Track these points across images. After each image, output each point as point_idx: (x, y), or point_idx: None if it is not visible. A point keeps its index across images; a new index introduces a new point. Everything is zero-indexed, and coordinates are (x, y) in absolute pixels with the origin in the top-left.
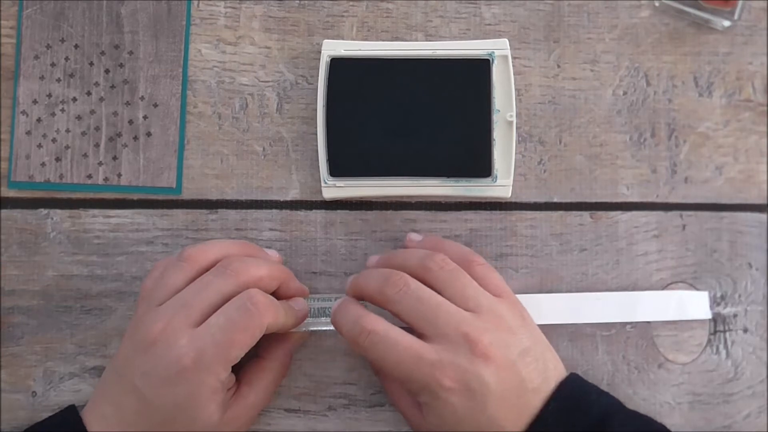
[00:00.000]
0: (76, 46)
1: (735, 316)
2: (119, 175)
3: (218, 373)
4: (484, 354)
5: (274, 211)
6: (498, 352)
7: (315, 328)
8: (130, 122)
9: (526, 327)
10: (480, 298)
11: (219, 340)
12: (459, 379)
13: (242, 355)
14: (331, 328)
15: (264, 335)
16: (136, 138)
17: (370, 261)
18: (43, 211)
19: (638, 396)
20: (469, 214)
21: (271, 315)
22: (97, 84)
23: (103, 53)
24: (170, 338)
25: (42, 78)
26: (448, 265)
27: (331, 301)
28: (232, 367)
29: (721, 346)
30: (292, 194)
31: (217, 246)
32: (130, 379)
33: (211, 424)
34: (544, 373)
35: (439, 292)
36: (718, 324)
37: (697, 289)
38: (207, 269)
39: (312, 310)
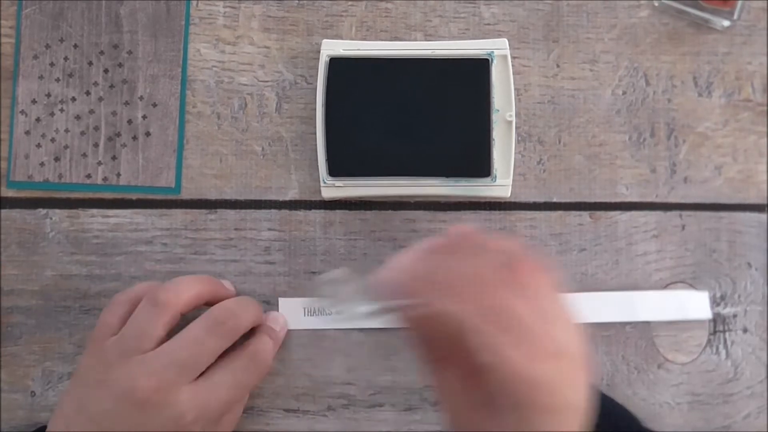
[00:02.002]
0: (75, 46)
1: (734, 316)
2: (118, 175)
3: (214, 424)
4: (519, 288)
5: (273, 211)
6: (526, 310)
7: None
8: (129, 122)
9: (561, 304)
10: (519, 256)
11: (223, 397)
12: (497, 314)
13: None
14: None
15: None
16: (135, 138)
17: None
18: (42, 211)
19: (637, 396)
20: (469, 214)
21: (270, 364)
22: (96, 84)
23: (102, 53)
24: (168, 397)
25: (41, 78)
26: (475, 233)
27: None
28: None
29: (721, 347)
30: (291, 194)
31: (187, 286)
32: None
33: None
34: (577, 358)
35: None
36: (717, 324)
37: (697, 290)
38: (183, 312)
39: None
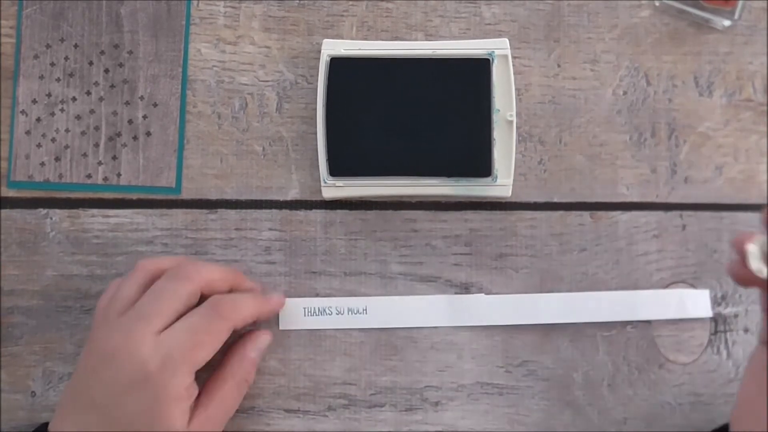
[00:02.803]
0: (75, 46)
1: (736, 316)
2: (119, 175)
3: (183, 376)
4: None
5: (274, 210)
6: None
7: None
8: (130, 122)
9: None
10: None
11: (184, 343)
12: None
13: (208, 359)
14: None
15: (226, 347)
16: (135, 138)
17: None
18: (43, 211)
19: (639, 397)
20: (469, 214)
21: (237, 317)
22: (96, 83)
23: (102, 53)
24: (131, 347)
25: (41, 77)
26: None
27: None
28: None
29: (722, 347)
30: (292, 194)
31: (168, 258)
32: (89, 395)
33: None
34: None
35: None
36: (718, 324)
37: (698, 290)
38: (158, 277)
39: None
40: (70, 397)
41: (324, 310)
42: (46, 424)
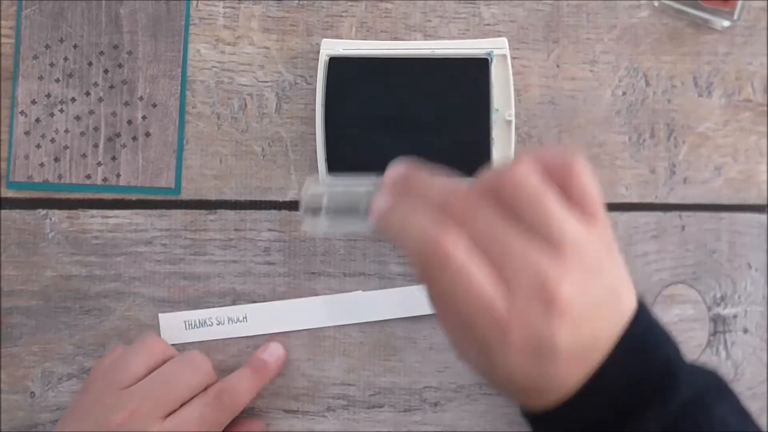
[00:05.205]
0: (75, 47)
1: (735, 316)
2: (118, 176)
3: None
4: (561, 311)
5: (273, 211)
6: (576, 304)
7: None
8: (129, 122)
9: (611, 260)
10: (565, 228)
11: None
12: (528, 341)
13: None
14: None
15: None
16: (134, 138)
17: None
18: (42, 212)
19: None
20: None
21: (240, 406)
22: (96, 84)
23: (102, 53)
24: (139, 427)
25: (41, 78)
26: (530, 182)
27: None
28: None
29: (721, 347)
30: (291, 194)
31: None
32: None
33: None
34: (618, 321)
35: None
36: (718, 325)
37: (697, 290)
38: (167, 359)
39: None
40: None
41: (204, 322)
42: None
